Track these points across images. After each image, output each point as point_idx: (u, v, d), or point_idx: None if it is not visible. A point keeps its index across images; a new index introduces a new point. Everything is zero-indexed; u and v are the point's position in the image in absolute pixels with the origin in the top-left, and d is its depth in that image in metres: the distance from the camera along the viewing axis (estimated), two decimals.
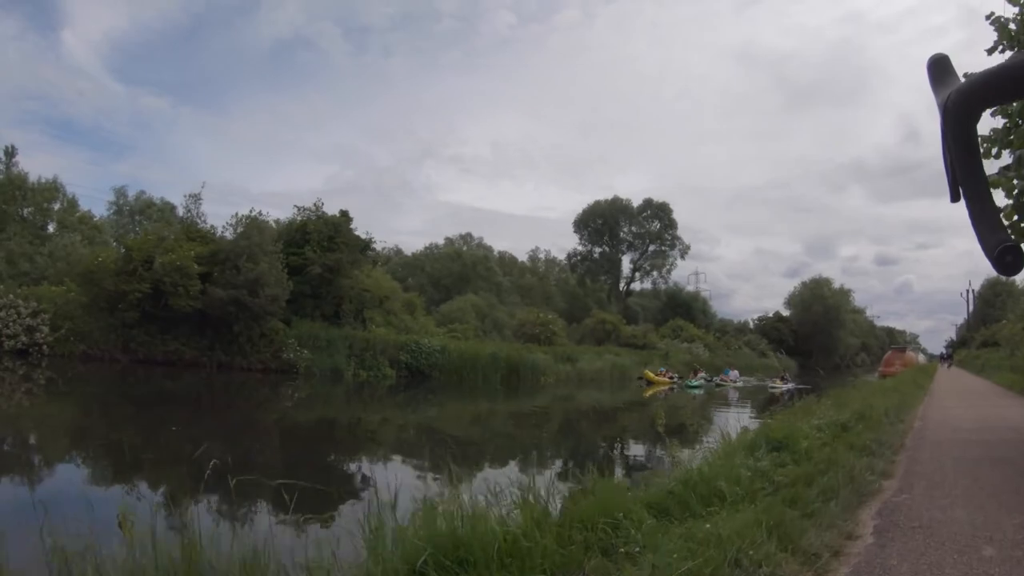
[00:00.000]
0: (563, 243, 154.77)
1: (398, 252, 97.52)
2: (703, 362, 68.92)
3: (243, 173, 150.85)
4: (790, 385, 49.07)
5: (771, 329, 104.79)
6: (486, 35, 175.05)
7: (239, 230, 43.19)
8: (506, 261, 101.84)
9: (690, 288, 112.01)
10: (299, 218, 48.28)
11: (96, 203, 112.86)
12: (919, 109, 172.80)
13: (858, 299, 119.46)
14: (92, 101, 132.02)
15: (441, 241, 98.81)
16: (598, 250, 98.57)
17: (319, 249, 45.31)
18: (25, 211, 53.08)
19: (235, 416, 26.36)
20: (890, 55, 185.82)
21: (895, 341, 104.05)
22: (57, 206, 56.07)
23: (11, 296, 36.21)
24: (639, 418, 32.17)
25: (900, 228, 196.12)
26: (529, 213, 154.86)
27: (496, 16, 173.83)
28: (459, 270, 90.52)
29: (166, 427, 20.34)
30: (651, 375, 52.61)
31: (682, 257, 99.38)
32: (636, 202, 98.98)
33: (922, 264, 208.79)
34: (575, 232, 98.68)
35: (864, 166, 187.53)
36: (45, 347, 36.13)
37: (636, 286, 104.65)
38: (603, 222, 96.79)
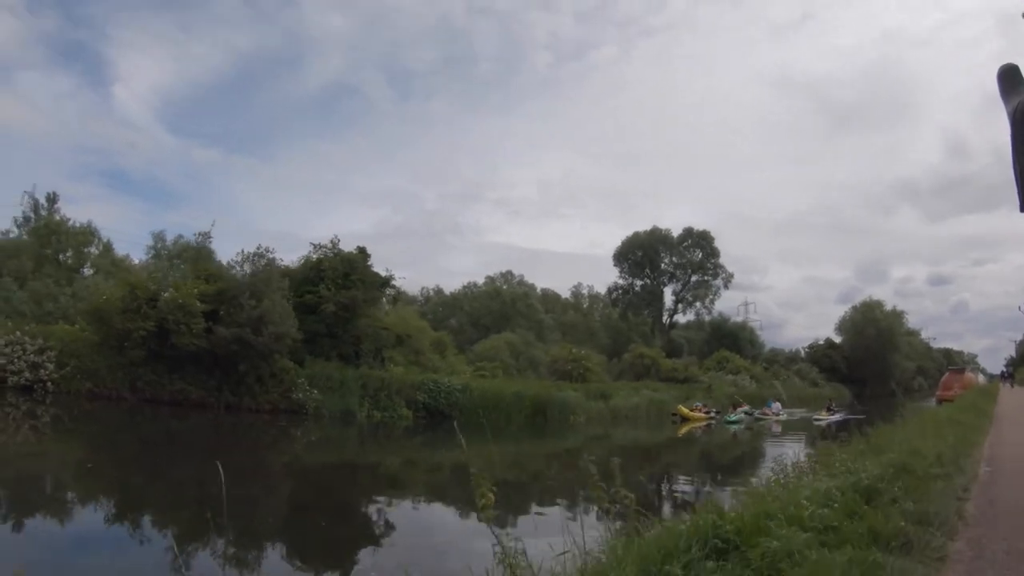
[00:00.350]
0: (611, 279, 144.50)
1: (438, 292, 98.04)
2: (748, 394, 65.81)
3: (294, 220, 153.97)
4: (837, 416, 45.79)
5: (822, 357, 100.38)
6: (525, 76, 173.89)
7: (245, 268, 41.95)
8: (549, 298, 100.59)
9: (739, 319, 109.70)
10: (315, 256, 46.62)
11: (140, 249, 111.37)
12: (962, 122, 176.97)
13: (913, 321, 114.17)
14: (144, 153, 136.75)
15: (481, 280, 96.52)
16: (639, 283, 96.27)
17: (333, 287, 43.60)
18: (64, 255, 53.86)
19: (240, 460, 24.73)
20: (929, 70, 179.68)
21: (952, 362, 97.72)
22: (94, 250, 56.68)
23: (17, 333, 35.82)
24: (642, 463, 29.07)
25: (953, 246, 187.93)
26: (578, 251, 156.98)
27: (534, 57, 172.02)
28: (498, 308, 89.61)
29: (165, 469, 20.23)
30: (685, 411, 49.95)
31: (726, 286, 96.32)
32: (676, 232, 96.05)
33: (978, 281, 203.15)
34: (615, 265, 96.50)
35: (912, 185, 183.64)
36: (50, 384, 35.45)
37: (680, 318, 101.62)
38: (643, 254, 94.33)
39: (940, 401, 45.73)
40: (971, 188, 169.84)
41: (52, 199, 55.43)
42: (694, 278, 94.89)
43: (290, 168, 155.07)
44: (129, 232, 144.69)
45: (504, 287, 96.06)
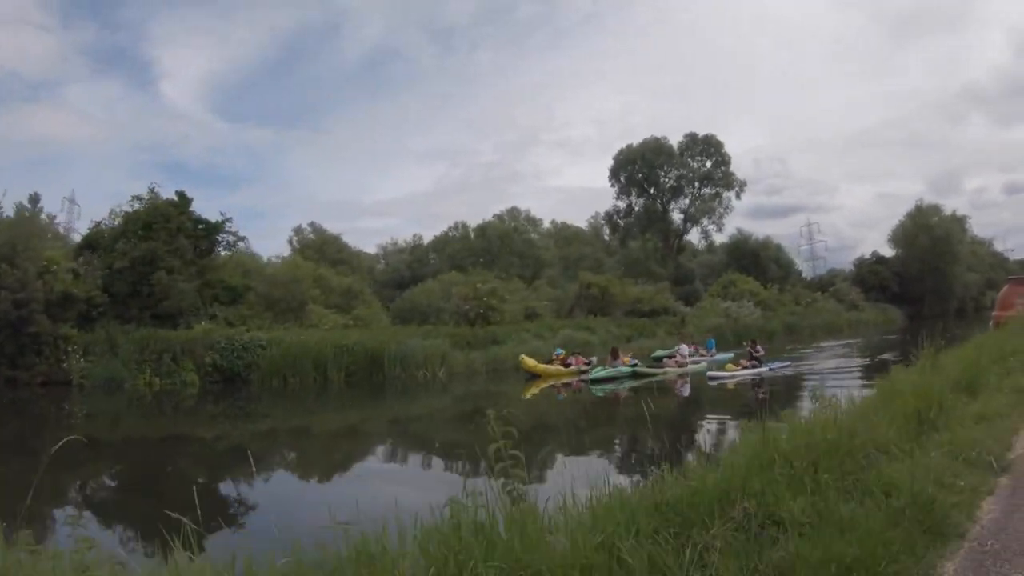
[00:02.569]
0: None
1: (416, 238, 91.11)
2: (747, 325, 54.11)
3: (354, 187, 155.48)
4: (755, 370, 30.66)
5: (868, 274, 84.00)
6: (568, 13, 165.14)
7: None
8: (561, 231, 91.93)
9: (804, 244, 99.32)
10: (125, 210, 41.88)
11: None
12: None
13: (990, 232, 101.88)
14: (199, 142, 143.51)
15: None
16: (639, 201, 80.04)
17: (135, 239, 38.72)
18: None
19: None
20: None
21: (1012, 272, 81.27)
22: None
23: None
24: None
25: None
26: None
27: None
28: (482, 247, 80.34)
29: None
30: (530, 363, 35.93)
31: (738, 197, 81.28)
32: (677, 139, 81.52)
33: None
34: (612, 185, 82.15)
35: (980, 91, 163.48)
36: None
37: (697, 239, 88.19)
38: (640, 167, 79.60)
39: (997, 324, 32.09)
40: None
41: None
42: (705, 191, 78.71)
43: (344, 137, 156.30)
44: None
45: (510, 224, 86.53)
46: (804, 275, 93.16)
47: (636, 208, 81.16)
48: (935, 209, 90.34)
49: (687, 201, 79.57)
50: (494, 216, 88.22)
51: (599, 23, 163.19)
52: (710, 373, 30.00)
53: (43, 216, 49.40)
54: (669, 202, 80.00)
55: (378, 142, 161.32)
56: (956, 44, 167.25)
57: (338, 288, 51.49)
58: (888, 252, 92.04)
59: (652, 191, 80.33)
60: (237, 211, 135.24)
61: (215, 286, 41.25)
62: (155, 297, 37.95)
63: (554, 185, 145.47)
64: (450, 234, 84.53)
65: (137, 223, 39.77)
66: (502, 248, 78.91)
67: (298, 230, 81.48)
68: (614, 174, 79.84)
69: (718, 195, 79.52)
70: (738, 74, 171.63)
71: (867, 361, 34.53)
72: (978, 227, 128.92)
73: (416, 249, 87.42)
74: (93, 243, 40.98)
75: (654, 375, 31.68)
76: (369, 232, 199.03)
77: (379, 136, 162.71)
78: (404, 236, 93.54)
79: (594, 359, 34.77)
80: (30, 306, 33.79)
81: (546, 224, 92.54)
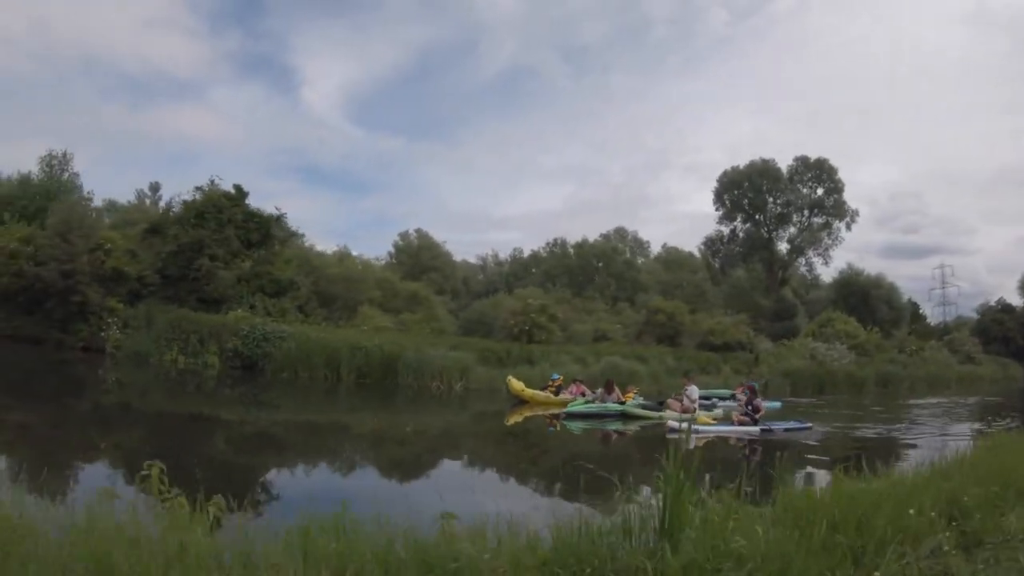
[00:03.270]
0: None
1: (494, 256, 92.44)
2: (834, 371, 49.54)
3: (484, 200, 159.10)
4: (752, 428, 25.61)
5: (991, 324, 76.66)
6: (702, 36, 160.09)
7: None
8: (669, 255, 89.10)
9: (936, 289, 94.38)
10: (183, 199, 45.33)
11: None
12: None
13: None
14: (334, 147, 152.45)
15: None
16: (741, 227, 75.95)
17: (188, 226, 41.60)
18: None
19: None
20: None
21: None
22: None
23: None
24: None
25: None
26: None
27: (709, 15, 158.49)
28: (576, 266, 79.57)
29: None
30: (519, 387, 32.13)
31: (848, 228, 75.73)
32: (787, 162, 76.94)
33: None
34: (716, 209, 77.26)
35: None
36: None
37: (806, 271, 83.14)
38: (745, 192, 74.26)
39: None
40: None
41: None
42: (816, 220, 73.50)
43: (475, 151, 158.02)
44: (325, 222, 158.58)
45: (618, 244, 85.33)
46: (930, 322, 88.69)
47: (740, 234, 76.15)
48: None
49: (794, 230, 74.28)
50: (601, 236, 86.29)
51: (733, 47, 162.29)
52: (673, 423, 25.12)
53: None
54: (775, 230, 74.93)
55: (509, 157, 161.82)
56: None
57: (403, 292, 52.75)
58: (1018, 301, 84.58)
59: (757, 217, 75.56)
60: (368, 216, 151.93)
61: (263, 277, 42.65)
62: (200, 282, 40.24)
63: (683, 210, 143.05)
64: (551, 250, 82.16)
65: (192, 211, 42.27)
66: (600, 268, 77.44)
67: (404, 235, 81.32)
68: (718, 197, 75.72)
69: (828, 225, 74.05)
70: (874, 102, 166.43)
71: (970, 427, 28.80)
72: None
73: (515, 262, 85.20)
74: (158, 227, 43.67)
75: (648, 418, 27.38)
76: (497, 245, 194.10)
77: (510, 151, 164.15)
78: (507, 250, 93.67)
79: (599, 391, 30.92)
80: (75, 277, 38.07)
81: (656, 248, 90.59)
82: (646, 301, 68.05)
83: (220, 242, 41.59)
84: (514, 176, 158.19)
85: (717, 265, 78.76)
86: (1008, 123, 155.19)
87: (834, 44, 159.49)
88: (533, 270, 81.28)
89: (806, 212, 74.61)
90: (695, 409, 26.77)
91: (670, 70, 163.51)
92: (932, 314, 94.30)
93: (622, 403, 28.88)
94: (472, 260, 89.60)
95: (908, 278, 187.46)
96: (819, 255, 75.01)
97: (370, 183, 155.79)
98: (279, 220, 46.89)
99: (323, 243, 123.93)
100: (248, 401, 29.50)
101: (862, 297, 71.72)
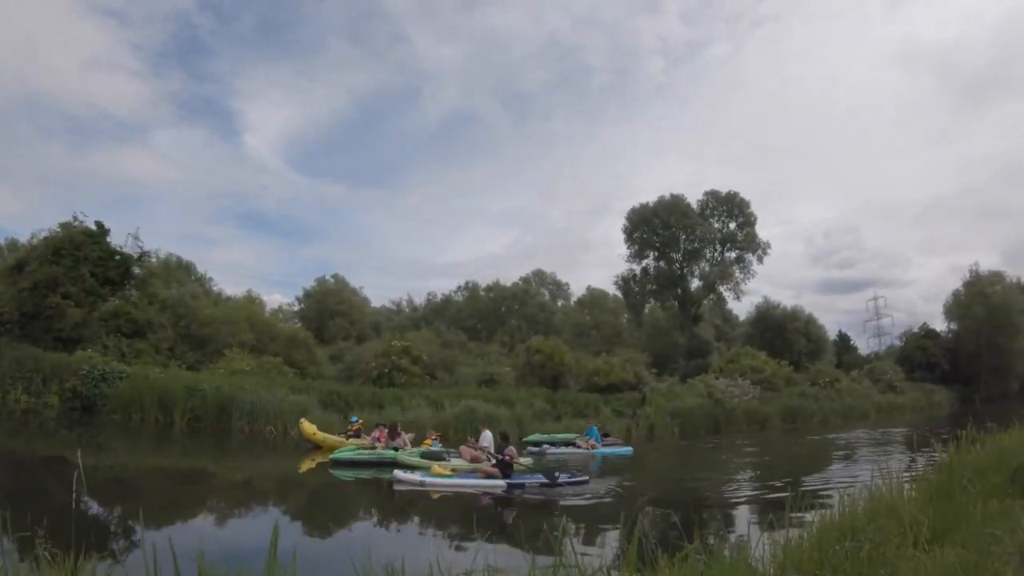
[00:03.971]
0: (748, 285, 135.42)
1: (409, 302, 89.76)
2: (732, 409, 47.53)
3: (427, 246, 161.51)
4: (497, 482, 22.24)
5: (914, 351, 74.43)
6: (640, 83, 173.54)
7: None
8: (595, 297, 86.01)
9: (873, 320, 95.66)
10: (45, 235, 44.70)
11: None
12: None
13: None
14: (276, 194, 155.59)
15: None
16: (653, 264, 73.50)
17: (44, 263, 41.01)
18: None
19: None
20: None
21: None
22: None
23: None
24: None
25: None
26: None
27: (646, 63, 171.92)
28: (484, 308, 79.45)
29: None
30: (310, 430, 29.86)
31: (759, 261, 73.25)
32: (698, 196, 74.91)
33: None
34: (627, 247, 74.08)
35: None
36: None
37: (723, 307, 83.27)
38: (655, 228, 71.15)
39: None
40: None
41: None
42: (730, 255, 71.58)
43: (418, 197, 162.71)
44: (267, 269, 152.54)
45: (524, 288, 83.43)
46: (862, 353, 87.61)
47: (651, 272, 73.46)
48: (997, 276, 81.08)
49: (706, 265, 71.79)
50: (520, 279, 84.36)
51: (671, 92, 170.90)
52: (399, 474, 21.89)
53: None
54: (686, 265, 72.22)
55: (452, 204, 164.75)
56: None
57: (282, 336, 51.31)
58: (944, 326, 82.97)
59: (671, 254, 72.78)
60: (312, 263, 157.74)
61: (120, 316, 42.14)
62: (53, 320, 39.68)
63: (622, 253, 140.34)
64: (463, 294, 79.86)
65: (50, 248, 41.71)
66: (514, 311, 76.71)
67: (321, 280, 79.50)
68: (628, 235, 72.52)
69: (741, 259, 71.63)
70: (809, 142, 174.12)
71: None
72: None
73: (429, 306, 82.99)
74: (22, 264, 42.58)
75: (421, 468, 23.90)
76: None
77: (453, 198, 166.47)
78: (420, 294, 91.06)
79: (406, 437, 27.86)
80: None
81: (581, 290, 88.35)
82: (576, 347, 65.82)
83: (74, 280, 41.02)
84: (457, 222, 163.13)
85: (629, 304, 75.79)
86: (938, 156, 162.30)
87: (768, 86, 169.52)
88: (435, 319, 78.75)
89: (718, 247, 72.27)
90: (487, 458, 23.91)
91: (610, 116, 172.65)
92: (868, 345, 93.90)
93: (396, 449, 25.90)
94: (388, 304, 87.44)
95: (845, 312, 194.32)
96: (730, 290, 72.50)
97: (313, 230, 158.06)
98: (141, 259, 46.54)
99: (265, 290, 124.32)
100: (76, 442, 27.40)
101: (778, 331, 69.60)
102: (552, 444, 32.02)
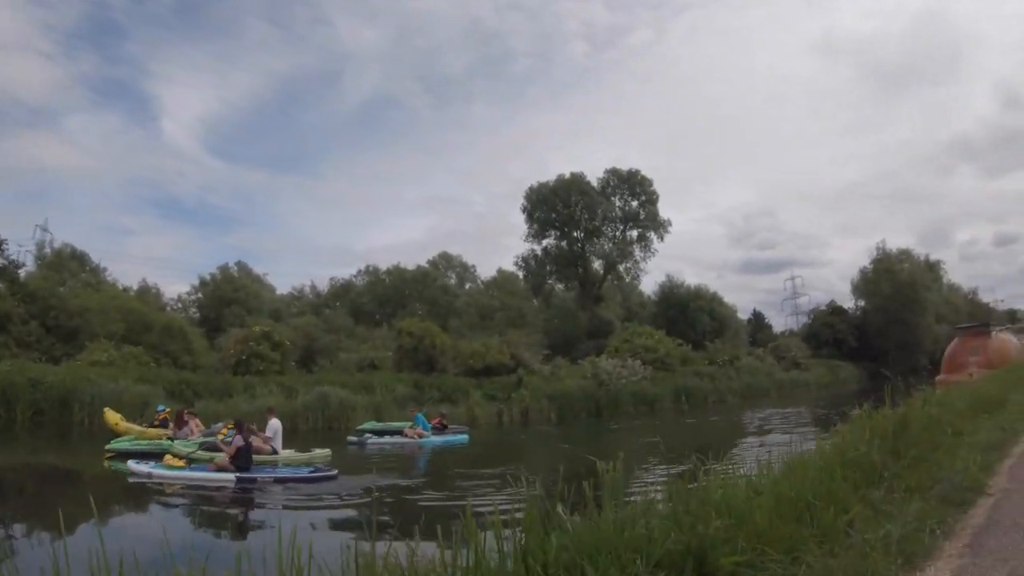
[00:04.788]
0: (671, 267, 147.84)
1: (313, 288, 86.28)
2: (618, 391, 45.67)
3: (348, 233, 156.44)
4: (220, 476, 19.95)
5: (821, 328, 73.76)
6: (563, 68, 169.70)
7: None
8: (503, 280, 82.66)
9: (790, 298, 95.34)
10: None
11: None
12: (1016, 71, 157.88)
13: (982, 284, 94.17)
14: (194, 180, 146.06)
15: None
16: (552, 244, 72.76)
17: None
18: None
19: None
20: (977, 20, 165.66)
21: (1011, 320, 71.26)
22: None
23: None
24: None
25: (1017, 202, 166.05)
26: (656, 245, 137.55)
27: (569, 48, 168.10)
28: (382, 293, 76.91)
29: None
30: (114, 419, 26.94)
31: (660, 239, 72.57)
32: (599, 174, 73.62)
33: None
34: (527, 226, 72.61)
35: (968, 142, 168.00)
36: None
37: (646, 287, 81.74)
38: (555, 207, 69.56)
39: (942, 387, 24.90)
40: None
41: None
42: (632, 234, 70.19)
43: (339, 183, 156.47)
44: (185, 259, 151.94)
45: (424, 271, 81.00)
46: (779, 332, 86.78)
47: (552, 252, 71.93)
48: (905, 254, 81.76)
49: (610, 245, 70.22)
50: (427, 262, 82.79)
51: (593, 78, 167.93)
52: (132, 465, 19.81)
53: None
54: (586, 244, 70.51)
55: (373, 189, 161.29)
56: (944, 97, 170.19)
57: (157, 325, 49.27)
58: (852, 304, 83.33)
59: (574, 233, 71.26)
60: (231, 252, 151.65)
61: None
62: None
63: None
64: (359, 279, 77.78)
65: None
66: (411, 295, 75.19)
67: (224, 268, 76.45)
68: (528, 214, 70.65)
69: (643, 237, 70.23)
70: (730, 128, 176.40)
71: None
72: (968, 279, 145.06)
73: (331, 292, 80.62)
74: None
75: (197, 460, 21.66)
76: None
77: (374, 183, 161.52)
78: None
79: (195, 425, 25.61)
80: None
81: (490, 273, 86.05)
82: (457, 327, 63.93)
83: None
84: (379, 208, 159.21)
85: (529, 284, 74.27)
86: (854, 143, 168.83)
87: (690, 73, 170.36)
88: (336, 303, 77.75)
89: (620, 225, 70.82)
90: (272, 449, 21.88)
91: (532, 101, 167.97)
92: (786, 324, 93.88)
93: (171, 440, 23.81)
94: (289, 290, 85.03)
95: (765, 291, 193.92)
96: (630, 269, 71.39)
97: (232, 218, 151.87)
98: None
99: (186, 281, 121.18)
100: None
101: (681, 309, 68.32)
102: (376, 434, 29.88)
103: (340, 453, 25.39)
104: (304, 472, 19.42)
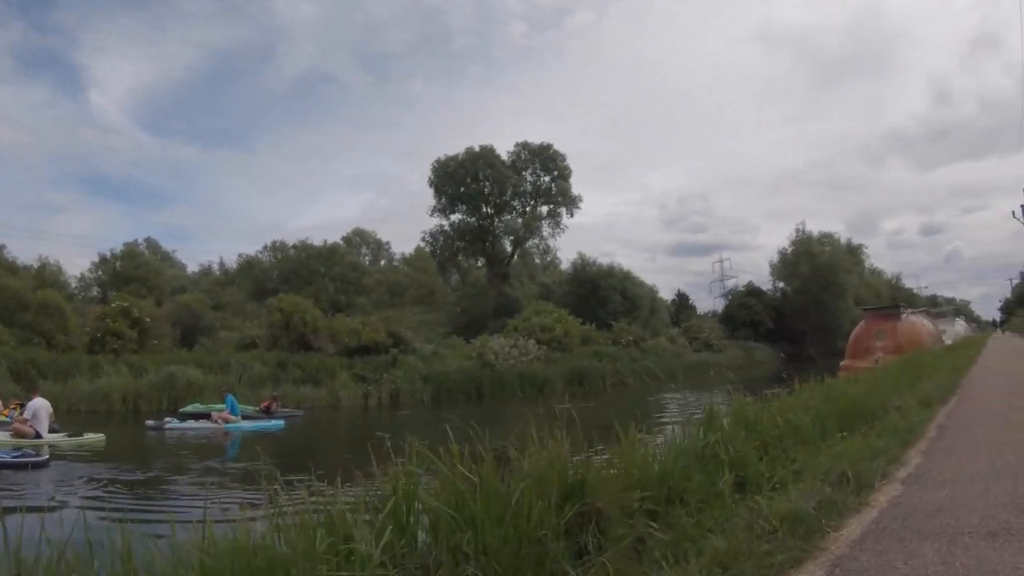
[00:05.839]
0: (604, 248, 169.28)
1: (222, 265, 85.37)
2: (504, 372, 44.31)
3: (282, 211, 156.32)
4: None
5: (737, 309, 73.03)
6: (502, 48, 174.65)
7: None
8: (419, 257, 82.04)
9: (718, 281, 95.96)
10: None
11: None
12: (949, 69, 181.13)
13: (907, 271, 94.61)
14: (125, 155, 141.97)
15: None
16: (459, 219, 71.03)
17: None
18: None
19: None
20: (913, 15, 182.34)
21: (931, 305, 71.72)
22: None
23: None
24: None
25: (943, 194, 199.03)
26: (566, 220, 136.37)
27: (510, 27, 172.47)
28: (289, 269, 73.30)
29: None
30: None
31: (570, 214, 71.62)
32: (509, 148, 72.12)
33: (969, 229, 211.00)
34: (435, 200, 70.32)
35: (901, 135, 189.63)
36: None
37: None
38: (463, 181, 67.50)
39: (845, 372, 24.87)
40: (959, 135, 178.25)
41: None
42: (543, 209, 68.84)
43: (273, 159, 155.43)
44: (115, 236, 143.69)
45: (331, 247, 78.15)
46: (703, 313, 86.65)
47: (459, 228, 70.34)
48: (827, 237, 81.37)
49: (520, 221, 68.66)
50: (342, 239, 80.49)
51: (533, 59, 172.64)
52: None
53: None
54: (494, 221, 68.95)
55: (308, 166, 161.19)
56: (880, 89, 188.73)
57: (33, 303, 46.62)
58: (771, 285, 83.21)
59: (484, 208, 69.48)
60: (162, 229, 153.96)
61: None
62: None
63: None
64: (268, 254, 75.73)
65: None
66: (318, 271, 72.21)
67: (131, 245, 75.04)
68: (437, 189, 68.75)
69: (553, 213, 68.89)
70: (668, 112, 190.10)
71: None
72: (896, 266, 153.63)
73: (239, 268, 78.44)
74: None
75: None
76: None
77: (310, 160, 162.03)
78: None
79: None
80: None
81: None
82: (364, 306, 62.40)
83: None
84: (313, 185, 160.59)
85: (437, 262, 72.71)
86: (789, 132, 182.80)
87: (629, 57, 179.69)
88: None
89: (531, 201, 69.38)
90: (36, 432, 20.16)
91: (470, 79, 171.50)
92: (714, 305, 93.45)
93: None
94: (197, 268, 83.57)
95: (696, 273, 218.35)
96: (535, 246, 70.21)
97: (164, 194, 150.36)
98: None
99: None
100: None
101: (592, 288, 66.68)
102: (195, 417, 27.93)
103: (137, 439, 23.75)
104: (6, 456, 17.59)
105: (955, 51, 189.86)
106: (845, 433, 9.11)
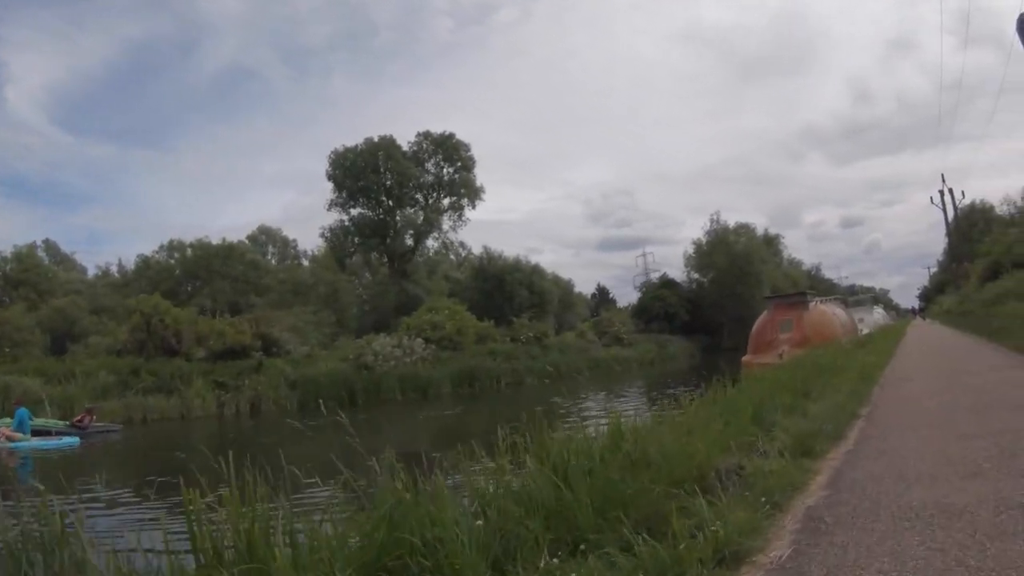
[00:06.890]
0: (529, 244, 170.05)
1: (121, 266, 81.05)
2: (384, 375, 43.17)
3: (204, 211, 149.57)
4: None
5: (651, 302, 72.11)
6: (426, 44, 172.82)
7: None
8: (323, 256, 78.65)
9: (642, 274, 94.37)
10: None
11: None
12: (866, 69, 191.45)
13: (827, 263, 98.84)
14: (40, 155, 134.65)
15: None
16: (359, 213, 69.93)
17: None
18: None
19: None
20: (832, 16, 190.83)
21: (850, 294, 71.79)
22: None
23: None
24: None
25: (862, 188, 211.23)
26: (489, 217, 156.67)
27: (434, 23, 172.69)
28: (184, 269, 72.48)
29: None
30: None
31: (472, 206, 70.68)
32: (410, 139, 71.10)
33: (887, 221, 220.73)
34: (334, 194, 69.27)
35: (819, 131, 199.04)
36: None
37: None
38: (363, 174, 65.92)
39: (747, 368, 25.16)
40: (876, 132, 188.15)
41: None
42: (446, 201, 67.76)
43: (193, 158, 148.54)
44: (29, 240, 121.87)
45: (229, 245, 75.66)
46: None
47: (358, 222, 69.26)
48: (743, 227, 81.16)
49: (421, 214, 67.37)
50: (247, 237, 79.29)
51: (457, 55, 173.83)
52: None
53: None
54: (397, 213, 67.62)
55: (229, 164, 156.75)
56: (800, 87, 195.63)
57: None
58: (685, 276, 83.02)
59: (386, 201, 68.35)
60: (80, 232, 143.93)
61: None
62: None
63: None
64: (165, 255, 73.56)
65: None
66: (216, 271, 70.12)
67: (30, 247, 72.71)
68: (336, 182, 67.30)
69: (455, 205, 67.96)
70: (592, 108, 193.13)
71: None
72: (816, 257, 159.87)
73: (138, 269, 75.82)
74: None
75: None
76: None
77: (230, 158, 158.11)
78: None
79: None
80: None
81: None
82: (260, 305, 60.68)
83: None
84: (235, 184, 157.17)
85: (334, 257, 71.05)
86: (711, 128, 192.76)
87: (554, 54, 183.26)
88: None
89: (434, 193, 68.16)
90: None
91: (394, 75, 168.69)
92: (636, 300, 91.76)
93: None
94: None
95: (621, 267, 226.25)
96: (436, 238, 69.17)
97: (81, 195, 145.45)
98: None
99: None
100: None
101: (498, 283, 65.55)
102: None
103: None
104: None
105: (874, 52, 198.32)
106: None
